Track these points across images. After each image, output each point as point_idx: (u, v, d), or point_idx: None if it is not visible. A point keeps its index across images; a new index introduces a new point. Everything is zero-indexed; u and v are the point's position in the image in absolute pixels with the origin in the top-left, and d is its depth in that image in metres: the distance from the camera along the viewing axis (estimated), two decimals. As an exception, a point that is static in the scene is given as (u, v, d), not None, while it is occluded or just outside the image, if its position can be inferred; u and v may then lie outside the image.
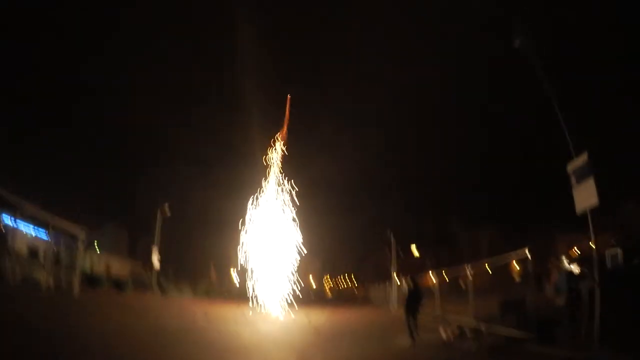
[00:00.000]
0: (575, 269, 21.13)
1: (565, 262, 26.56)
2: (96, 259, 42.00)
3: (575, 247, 33.00)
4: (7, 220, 25.01)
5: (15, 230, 25.27)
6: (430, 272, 49.36)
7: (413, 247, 68.82)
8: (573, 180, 17.99)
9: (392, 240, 49.55)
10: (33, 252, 27.65)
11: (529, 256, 29.47)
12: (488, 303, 24.88)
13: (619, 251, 21.92)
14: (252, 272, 31.21)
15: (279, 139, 33.94)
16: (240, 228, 31.61)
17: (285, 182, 33.28)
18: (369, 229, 70.67)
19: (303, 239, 33.23)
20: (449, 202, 61.83)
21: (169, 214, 43.34)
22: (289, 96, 34.95)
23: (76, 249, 33.36)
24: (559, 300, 20.42)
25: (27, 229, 27.92)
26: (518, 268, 32.83)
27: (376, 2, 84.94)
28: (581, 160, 16.83)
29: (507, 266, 33.64)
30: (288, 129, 35.09)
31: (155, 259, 40.03)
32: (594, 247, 17.09)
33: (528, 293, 23.99)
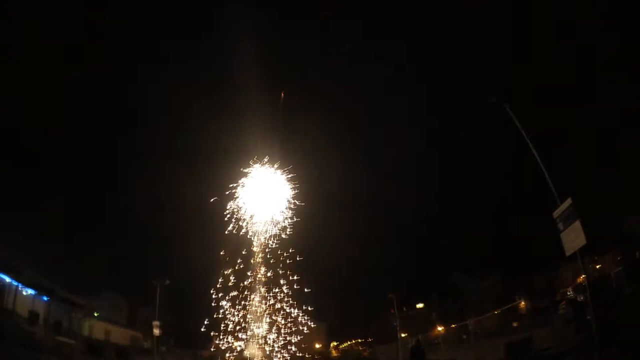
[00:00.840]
0: (581, 298, 21.20)
1: (571, 293, 26.46)
2: (96, 325, 41.06)
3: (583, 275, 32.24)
4: (9, 282, 25.10)
5: (17, 293, 25.29)
6: (436, 324, 48.54)
7: (419, 305, 67.63)
8: (560, 225, 18.90)
9: (395, 303, 49.06)
10: (34, 316, 27.35)
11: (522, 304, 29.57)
12: (495, 346, 24.47)
13: (623, 271, 22.05)
14: (253, 338, 31.00)
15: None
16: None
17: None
18: (375, 288, 69.91)
19: (308, 304, 33.47)
20: (453, 253, 61.60)
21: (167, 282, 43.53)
22: (282, 93, 36.53)
23: (76, 316, 33.07)
24: (568, 332, 20.25)
25: (29, 293, 27.84)
26: (523, 305, 32.53)
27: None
28: (566, 205, 17.83)
29: (515, 305, 33.36)
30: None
31: (156, 331, 39.64)
32: (586, 283, 17.56)
33: (534, 331, 23.73)
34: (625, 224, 31.83)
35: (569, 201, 18.18)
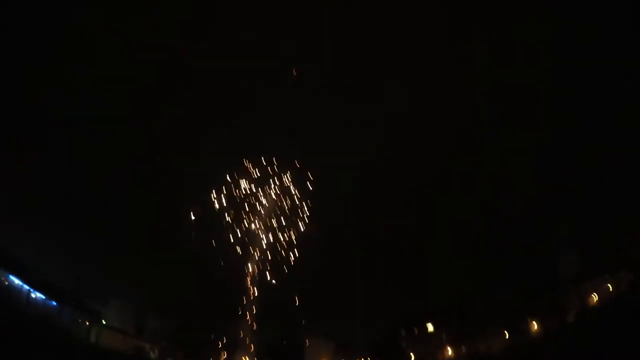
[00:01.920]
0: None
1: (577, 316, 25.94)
2: (103, 333, 40.93)
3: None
4: (20, 284, 25.42)
5: (28, 296, 25.60)
6: (447, 345, 47.69)
7: (429, 325, 66.44)
8: (558, 252, 19.22)
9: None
10: (44, 320, 27.47)
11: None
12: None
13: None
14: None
15: None
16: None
17: None
18: (385, 308, 68.90)
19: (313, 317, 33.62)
20: (463, 274, 60.28)
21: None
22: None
23: (84, 322, 33.26)
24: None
25: (39, 296, 28.05)
26: (537, 327, 31.71)
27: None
28: (564, 232, 18.27)
29: (525, 327, 32.68)
30: None
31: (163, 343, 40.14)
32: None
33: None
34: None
35: (565, 228, 18.94)
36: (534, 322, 31.35)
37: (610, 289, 23.05)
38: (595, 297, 24.14)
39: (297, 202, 44.09)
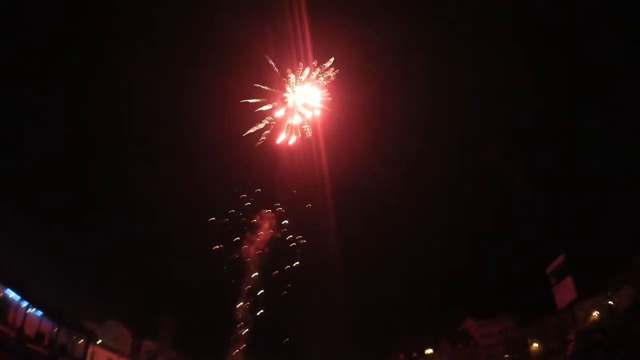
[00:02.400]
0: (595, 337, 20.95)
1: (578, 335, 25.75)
2: (98, 352, 40.22)
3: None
4: (18, 299, 25.21)
5: (25, 312, 25.34)
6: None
7: (429, 351, 65.75)
8: (553, 280, 19.92)
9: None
10: (40, 337, 27.13)
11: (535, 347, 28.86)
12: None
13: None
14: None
15: None
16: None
17: None
18: (383, 334, 68.30)
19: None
20: (464, 297, 59.78)
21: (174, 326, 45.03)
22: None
23: (80, 341, 32.87)
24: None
25: (36, 313, 27.76)
26: (536, 347, 31.34)
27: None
28: (558, 262, 18.95)
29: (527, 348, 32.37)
30: None
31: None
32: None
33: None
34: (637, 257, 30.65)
35: (561, 258, 19.82)
36: (534, 344, 31.13)
37: (612, 306, 22.97)
38: (596, 315, 23.98)
39: (291, 234, 44.20)
